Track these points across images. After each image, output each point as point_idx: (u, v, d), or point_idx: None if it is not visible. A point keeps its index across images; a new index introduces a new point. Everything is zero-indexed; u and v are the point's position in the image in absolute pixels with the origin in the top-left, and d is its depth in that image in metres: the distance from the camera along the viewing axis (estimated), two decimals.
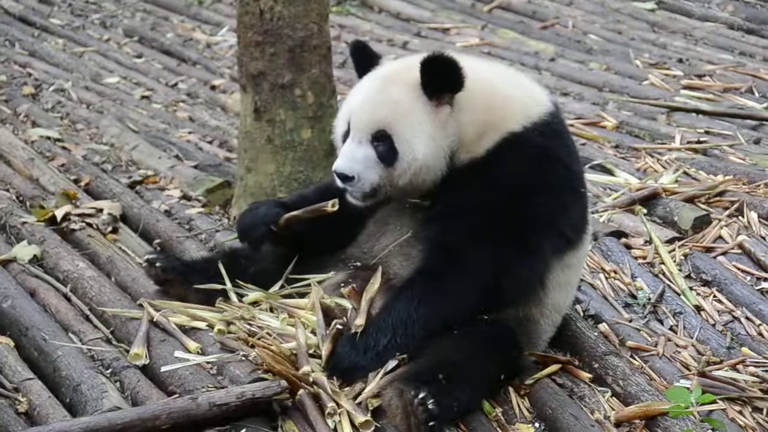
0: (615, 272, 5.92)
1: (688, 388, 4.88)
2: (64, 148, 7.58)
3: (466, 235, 4.84)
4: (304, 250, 5.36)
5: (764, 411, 4.98)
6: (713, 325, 5.58)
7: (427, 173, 4.91)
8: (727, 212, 6.50)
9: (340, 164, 4.92)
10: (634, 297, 5.76)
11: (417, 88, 4.88)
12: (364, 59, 5.20)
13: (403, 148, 4.87)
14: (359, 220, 5.25)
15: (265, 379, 4.70)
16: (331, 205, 5.07)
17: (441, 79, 4.85)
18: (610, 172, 7.27)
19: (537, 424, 4.81)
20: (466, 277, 4.82)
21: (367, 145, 4.92)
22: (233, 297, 5.30)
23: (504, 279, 4.85)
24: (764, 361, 5.31)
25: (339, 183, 4.97)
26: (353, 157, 4.92)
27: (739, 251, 6.16)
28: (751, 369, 5.24)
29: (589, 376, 5.06)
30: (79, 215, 6.30)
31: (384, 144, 4.89)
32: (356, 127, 4.95)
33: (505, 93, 4.99)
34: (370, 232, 5.22)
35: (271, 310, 5.22)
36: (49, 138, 7.73)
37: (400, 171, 4.90)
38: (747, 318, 5.62)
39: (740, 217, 6.49)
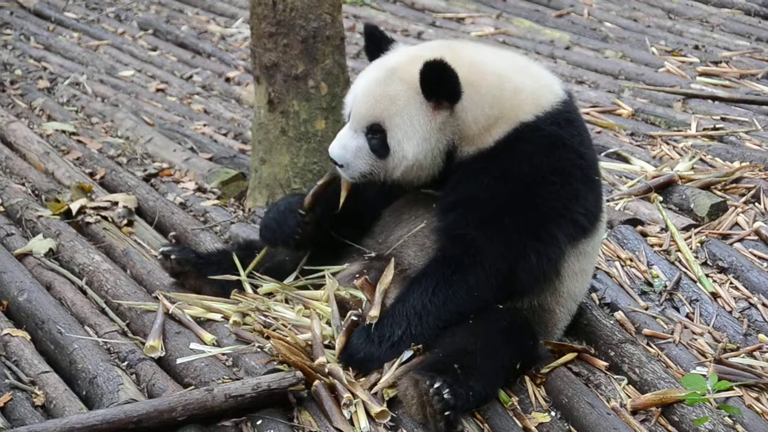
0: (631, 260, 5.91)
1: (704, 375, 4.87)
2: (79, 141, 7.59)
3: (480, 224, 4.84)
4: (324, 246, 5.35)
5: None
6: (730, 312, 5.57)
7: (420, 170, 4.93)
8: (744, 199, 6.49)
9: (333, 149, 4.99)
10: (650, 285, 5.74)
11: (416, 86, 4.86)
12: (376, 43, 5.18)
13: (394, 145, 4.89)
14: (376, 212, 5.25)
15: (281, 370, 4.72)
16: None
17: (439, 87, 4.83)
18: (625, 160, 7.25)
19: (553, 413, 4.81)
20: (481, 266, 4.82)
21: (362, 135, 4.95)
22: (248, 288, 5.31)
23: (518, 268, 4.85)
24: None
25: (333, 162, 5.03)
26: (345, 146, 4.97)
27: (756, 238, 6.15)
28: None
29: (605, 364, 5.05)
30: (94, 208, 6.32)
31: (377, 138, 4.92)
32: (354, 115, 4.97)
33: (516, 83, 4.96)
34: (384, 222, 5.22)
35: (287, 301, 5.23)
36: (64, 131, 7.75)
37: (391, 166, 4.93)
38: (764, 304, 5.60)
39: (757, 204, 6.47)
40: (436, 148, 4.90)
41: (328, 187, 5.20)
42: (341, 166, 4.98)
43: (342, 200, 5.14)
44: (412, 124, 4.86)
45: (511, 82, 4.96)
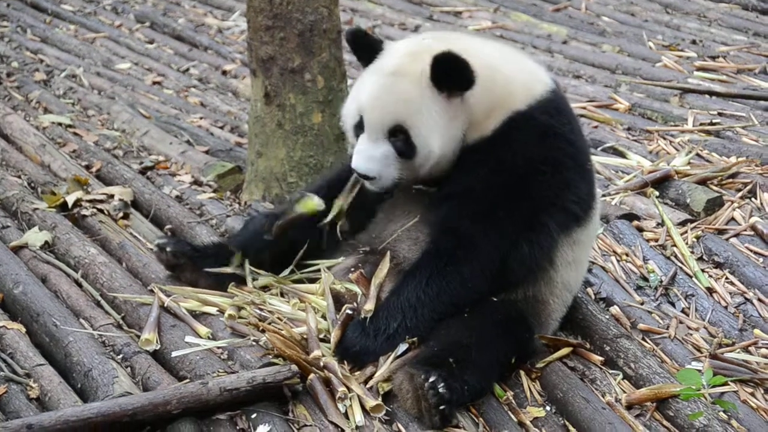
0: (627, 255, 5.91)
1: (699, 371, 4.87)
2: (75, 134, 7.58)
3: (472, 215, 4.84)
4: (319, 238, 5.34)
5: None
6: (725, 307, 5.57)
7: (443, 161, 4.91)
8: (740, 194, 6.49)
9: (360, 165, 4.91)
10: (645, 279, 5.74)
11: (426, 80, 4.84)
12: (365, 47, 5.14)
13: (420, 142, 4.86)
14: (371, 207, 5.24)
15: (276, 364, 4.71)
16: (316, 204, 5.15)
17: (452, 78, 4.82)
18: (622, 155, 7.25)
19: (548, 408, 4.81)
20: (474, 257, 4.83)
21: (385, 142, 4.91)
22: (248, 279, 5.30)
23: (511, 258, 4.86)
24: None
25: (360, 178, 4.99)
26: (372, 157, 4.90)
27: (752, 233, 6.14)
28: (763, 351, 5.24)
29: (601, 359, 5.05)
30: (90, 201, 6.31)
31: (401, 139, 4.88)
32: (371, 125, 4.91)
33: (508, 72, 4.97)
34: (379, 217, 5.22)
35: (282, 295, 5.23)
36: (60, 124, 7.73)
37: (418, 164, 4.90)
38: (759, 300, 5.60)
39: (753, 199, 6.47)
40: (455, 136, 4.89)
41: (296, 222, 5.20)
42: (371, 179, 4.93)
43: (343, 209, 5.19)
44: (432, 117, 4.84)
45: (503, 71, 4.97)
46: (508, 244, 4.85)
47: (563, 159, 4.94)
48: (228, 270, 5.33)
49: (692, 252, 5.95)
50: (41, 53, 9.48)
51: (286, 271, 5.33)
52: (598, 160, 6.47)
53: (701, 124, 7.69)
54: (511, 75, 4.97)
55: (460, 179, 4.90)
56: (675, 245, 5.99)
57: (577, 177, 5.00)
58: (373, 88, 4.96)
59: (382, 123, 4.89)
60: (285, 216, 5.23)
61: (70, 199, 6.25)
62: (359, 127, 4.98)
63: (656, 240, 6.05)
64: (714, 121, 7.74)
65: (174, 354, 4.89)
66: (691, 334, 5.33)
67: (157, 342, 4.98)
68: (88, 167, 6.95)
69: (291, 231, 5.24)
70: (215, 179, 6.78)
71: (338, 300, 5.03)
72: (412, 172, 4.93)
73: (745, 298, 5.62)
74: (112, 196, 6.39)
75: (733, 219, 6.27)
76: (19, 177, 6.81)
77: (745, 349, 5.24)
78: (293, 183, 6.32)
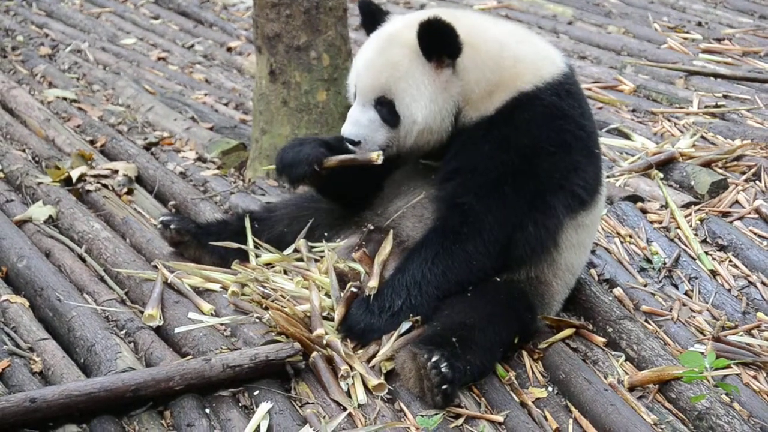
0: (630, 236, 5.90)
1: (702, 353, 4.87)
2: (80, 109, 7.58)
3: (479, 194, 4.84)
4: (331, 196, 5.37)
5: None
6: (728, 290, 5.56)
7: (431, 134, 4.93)
8: (744, 177, 6.47)
9: (346, 129, 4.97)
10: (649, 261, 5.74)
11: (416, 49, 4.87)
12: (371, 17, 5.19)
13: (403, 111, 4.89)
14: (380, 180, 5.24)
15: (279, 341, 4.72)
16: (376, 156, 4.96)
17: (438, 44, 4.83)
18: (626, 136, 7.24)
19: (550, 388, 4.81)
20: (479, 236, 4.83)
21: (371, 108, 4.95)
22: (252, 256, 5.30)
23: (516, 237, 4.86)
24: None
25: (349, 146, 4.99)
26: (358, 122, 4.96)
27: (756, 216, 6.14)
28: (766, 334, 5.23)
29: (603, 340, 5.05)
30: (94, 176, 6.32)
31: (386, 107, 4.92)
32: (361, 90, 4.97)
33: (516, 52, 4.96)
34: (384, 194, 5.21)
35: (285, 272, 5.22)
36: (65, 99, 7.73)
37: (403, 133, 4.93)
38: (763, 283, 5.60)
39: (757, 182, 6.46)
40: (443, 109, 4.90)
41: (346, 165, 5.07)
42: (357, 144, 4.96)
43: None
44: (418, 86, 4.86)
45: (511, 50, 4.96)
46: (514, 223, 4.85)
47: (571, 141, 4.94)
48: (232, 244, 5.32)
49: (696, 234, 5.95)
50: (46, 27, 9.47)
51: (290, 249, 5.33)
52: (602, 141, 6.45)
53: (706, 107, 7.68)
54: (520, 55, 4.96)
55: (465, 156, 4.90)
56: (679, 227, 5.98)
57: (585, 161, 4.99)
58: (367, 53, 5.02)
59: (369, 89, 4.94)
60: (338, 155, 5.09)
61: (75, 174, 6.26)
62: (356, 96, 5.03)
63: (660, 222, 6.05)
64: (719, 103, 7.73)
65: (177, 330, 4.90)
66: (694, 317, 5.33)
67: (160, 318, 4.99)
68: (92, 142, 6.96)
69: (336, 171, 5.10)
70: (219, 156, 6.79)
71: (341, 279, 5.03)
72: (398, 140, 4.96)
73: (749, 281, 5.62)
74: (116, 172, 6.40)
75: (737, 202, 6.26)
76: (24, 151, 6.82)
77: (748, 332, 5.23)
78: None
